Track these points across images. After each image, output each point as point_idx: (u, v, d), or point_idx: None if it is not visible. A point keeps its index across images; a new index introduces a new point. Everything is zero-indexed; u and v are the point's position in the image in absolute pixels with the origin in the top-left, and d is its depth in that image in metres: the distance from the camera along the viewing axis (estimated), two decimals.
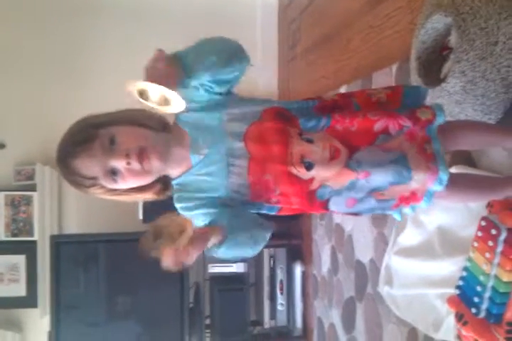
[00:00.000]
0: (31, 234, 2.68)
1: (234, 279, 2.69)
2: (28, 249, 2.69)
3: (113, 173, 0.96)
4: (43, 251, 2.67)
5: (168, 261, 0.83)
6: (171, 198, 1.06)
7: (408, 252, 1.62)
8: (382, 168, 0.97)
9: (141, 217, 2.65)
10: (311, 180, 0.98)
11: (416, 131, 1.00)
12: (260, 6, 3.17)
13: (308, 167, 0.97)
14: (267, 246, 2.71)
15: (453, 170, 1.34)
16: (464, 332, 1.11)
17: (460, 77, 1.22)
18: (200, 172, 1.00)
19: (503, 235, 1.05)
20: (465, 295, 1.14)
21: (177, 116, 1.03)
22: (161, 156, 0.97)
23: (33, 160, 2.71)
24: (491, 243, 1.07)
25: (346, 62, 2.26)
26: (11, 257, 2.71)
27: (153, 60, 0.93)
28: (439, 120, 1.01)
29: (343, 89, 2.19)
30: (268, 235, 1.03)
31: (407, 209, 1.09)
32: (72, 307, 2.57)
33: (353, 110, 1.02)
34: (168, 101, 0.91)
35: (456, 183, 1.01)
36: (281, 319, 2.72)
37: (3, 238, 2.67)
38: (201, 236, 0.88)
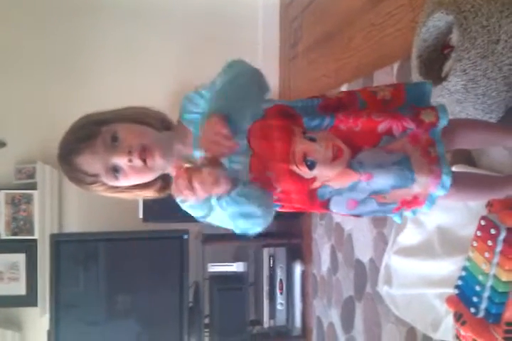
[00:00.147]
0: (31, 233, 2.68)
1: (233, 278, 2.69)
2: (28, 248, 2.69)
3: (115, 170, 0.96)
4: (43, 249, 2.67)
5: (178, 184, 0.86)
6: (171, 196, 1.05)
7: (408, 252, 1.62)
8: (385, 170, 0.97)
9: (141, 216, 2.65)
10: (313, 179, 0.98)
11: (419, 134, 0.99)
12: (262, 4, 3.16)
13: (311, 166, 0.96)
14: (266, 246, 2.71)
15: (453, 169, 1.33)
16: (462, 332, 1.11)
17: (461, 75, 1.21)
18: None
19: (503, 235, 1.04)
20: (464, 295, 1.14)
21: (181, 115, 1.03)
22: (162, 154, 0.97)
23: (34, 159, 2.72)
24: (490, 242, 1.06)
25: (347, 60, 2.25)
26: (11, 256, 2.71)
27: (208, 130, 0.92)
28: (443, 123, 1.00)
29: (344, 88, 2.18)
30: (274, 208, 1.01)
31: (408, 213, 1.08)
32: (71, 306, 2.57)
33: (358, 108, 1.02)
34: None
35: (456, 182, 1.00)
36: (281, 318, 2.71)
37: (4, 236, 2.68)
38: (215, 176, 0.88)
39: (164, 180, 1.03)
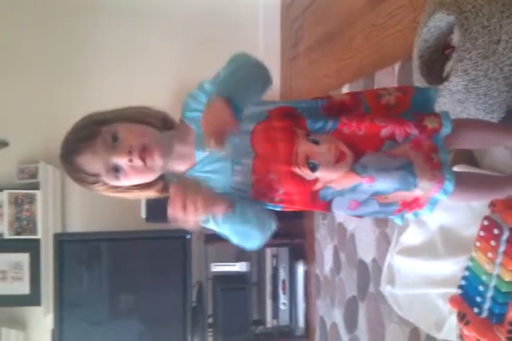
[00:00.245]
0: (35, 233, 2.69)
1: (236, 278, 2.69)
2: (32, 247, 2.69)
3: (115, 170, 0.96)
4: (46, 249, 2.68)
5: (174, 208, 0.85)
6: None
7: (410, 252, 1.62)
8: (388, 174, 0.97)
9: (144, 215, 2.65)
10: (315, 181, 0.99)
11: (422, 140, 1.00)
12: (262, 4, 3.16)
13: (313, 168, 0.97)
14: (269, 245, 2.71)
15: (455, 169, 1.33)
16: (466, 332, 1.11)
17: (462, 75, 1.21)
18: (204, 169, 1.00)
19: (506, 235, 1.04)
20: (467, 295, 1.14)
21: (184, 113, 1.03)
22: (163, 153, 0.97)
23: (37, 159, 2.72)
24: (493, 242, 1.06)
25: (348, 61, 2.25)
26: (15, 255, 2.72)
27: (214, 112, 0.91)
28: (446, 130, 1.01)
29: (345, 88, 2.18)
30: (273, 225, 1.02)
31: (409, 215, 1.09)
32: (75, 306, 2.58)
33: (362, 112, 1.02)
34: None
35: (457, 182, 1.00)
36: (284, 318, 2.72)
37: (7, 236, 2.68)
38: (211, 197, 0.88)
39: (166, 181, 1.04)
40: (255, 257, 2.79)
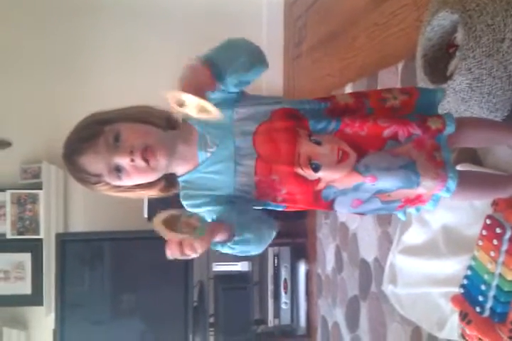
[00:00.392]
0: (37, 233, 2.70)
1: (238, 278, 2.69)
2: (34, 247, 2.70)
3: (117, 170, 0.96)
4: (48, 249, 2.69)
5: (171, 251, 0.85)
6: (176, 196, 1.06)
7: (413, 251, 1.62)
8: (391, 173, 0.97)
9: (146, 215, 2.65)
10: (318, 181, 0.98)
11: (425, 140, 1.00)
12: (266, 3, 3.16)
13: (315, 168, 0.97)
14: (271, 245, 2.68)
15: (458, 168, 1.33)
16: (468, 331, 1.11)
17: (466, 74, 1.21)
18: (207, 170, 1.00)
19: (508, 234, 1.04)
20: (469, 294, 1.14)
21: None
22: (165, 153, 0.97)
23: (39, 159, 2.73)
24: (495, 241, 1.06)
25: (352, 60, 2.25)
26: (17, 255, 2.73)
27: (188, 70, 0.93)
28: (450, 130, 1.01)
29: (348, 88, 2.18)
30: (274, 233, 1.03)
31: (411, 210, 1.08)
32: (77, 306, 2.58)
33: (365, 113, 1.02)
34: (205, 109, 0.91)
35: (460, 181, 1.00)
36: (285, 318, 2.71)
37: (10, 236, 2.69)
38: (208, 232, 0.87)
39: (168, 180, 1.03)
40: (257, 256, 2.79)
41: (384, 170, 0.97)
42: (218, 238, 0.91)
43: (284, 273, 2.72)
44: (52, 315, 2.59)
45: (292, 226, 2.75)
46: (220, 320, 2.64)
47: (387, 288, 1.75)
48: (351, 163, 0.97)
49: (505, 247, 1.04)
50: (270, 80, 2.90)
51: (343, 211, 1.07)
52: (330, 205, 1.03)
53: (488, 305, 1.06)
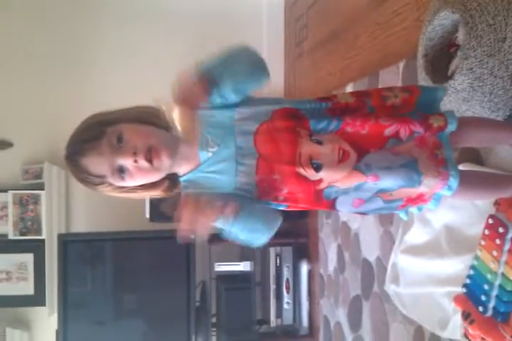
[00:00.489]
0: (39, 233, 2.70)
1: (240, 278, 2.69)
2: (36, 248, 2.70)
3: (121, 171, 0.96)
4: (50, 249, 2.69)
5: (184, 221, 0.88)
6: (178, 196, 1.06)
7: (415, 250, 1.62)
8: (392, 172, 0.97)
9: (148, 215, 2.66)
10: (319, 181, 0.98)
11: (427, 138, 0.99)
12: (266, 3, 3.16)
13: (317, 168, 0.97)
14: (273, 245, 2.71)
15: (460, 167, 1.33)
16: (470, 331, 1.11)
17: (467, 74, 1.21)
18: (208, 169, 1.00)
19: (511, 233, 1.04)
20: (472, 294, 1.14)
21: None
22: (168, 154, 0.97)
23: (41, 159, 2.73)
24: (498, 241, 1.06)
25: (353, 59, 2.25)
26: (19, 256, 2.73)
27: (182, 80, 0.95)
28: (451, 128, 1.01)
29: (349, 87, 2.18)
30: (280, 219, 1.03)
31: (413, 209, 1.08)
32: (79, 306, 2.58)
33: (366, 112, 1.01)
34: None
35: (462, 181, 1.00)
36: (288, 317, 2.71)
37: (12, 237, 2.69)
38: (219, 203, 0.91)
39: (171, 180, 1.04)
40: (259, 256, 2.79)
41: (385, 169, 0.97)
42: (225, 214, 0.92)
43: (286, 273, 2.72)
44: (55, 316, 2.59)
45: (294, 226, 2.75)
46: (222, 320, 2.65)
47: (390, 288, 1.75)
48: (352, 163, 0.97)
49: (507, 247, 1.04)
50: (271, 80, 2.90)
51: (344, 210, 1.07)
52: (332, 204, 1.03)
53: (491, 304, 1.06)
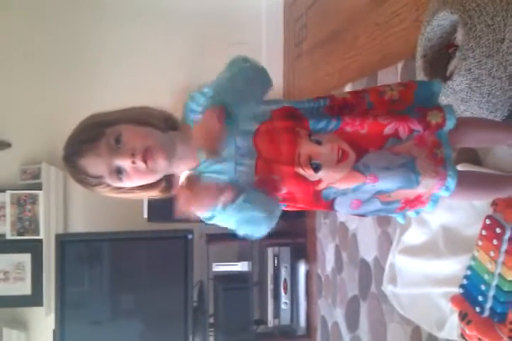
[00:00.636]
0: (37, 233, 2.70)
1: (238, 278, 2.69)
2: (34, 248, 2.70)
3: (118, 172, 0.96)
4: (48, 249, 2.68)
5: (181, 200, 0.90)
6: (175, 196, 1.06)
7: (412, 251, 1.62)
8: (391, 172, 0.97)
9: (146, 215, 2.66)
10: (318, 181, 0.98)
11: (426, 137, 0.99)
12: (265, 3, 3.16)
13: (316, 168, 0.97)
14: (270, 245, 2.71)
15: (458, 168, 1.33)
16: (467, 331, 1.11)
17: (466, 74, 1.21)
18: (207, 169, 1.00)
19: (508, 234, 1.04)
20: (469, 294, 1.14)
21: (185, 114, 1.03)
22: (166, 155, 0.97)
23: (39, 159, 2.73)
24: (495, 241, 1.06)
25: (352, 59, 2.25)
26: (17, 256, 2.73)
27: (205, 123, 0.96)
28: (450, 125, 1.00)
29: (348, 87, 2.18)
30: (281, 207, 1.02)
31: (411, 213, 1.08)
32: (77, 306, 2.58)
33: (365, 108, 1.01)
34: None
35: (460, 181, 1.00)
36: (285, 318, 2.71)
37: (9, 237, 2.69)
38: (218, 186, 0.92)
39: (168, 181, 1.04)
40: (257, 257, 2.79)
41: (385, 170, 0.97)
42: (223, 198, 0.92)
43: (284, 273, 2.72)
44: (52, 316, 2.59)
45: (292, 226, 2.75)
46: (219, 320, 2.64)
47: (387, 288, 1.75)
48: (351, 163, 0.97)
49: (504, 247, 1.04)
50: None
51: (343, 211, 1.06)
52: (330, 205, 1.03)
53: (488, 305, 1.06)
